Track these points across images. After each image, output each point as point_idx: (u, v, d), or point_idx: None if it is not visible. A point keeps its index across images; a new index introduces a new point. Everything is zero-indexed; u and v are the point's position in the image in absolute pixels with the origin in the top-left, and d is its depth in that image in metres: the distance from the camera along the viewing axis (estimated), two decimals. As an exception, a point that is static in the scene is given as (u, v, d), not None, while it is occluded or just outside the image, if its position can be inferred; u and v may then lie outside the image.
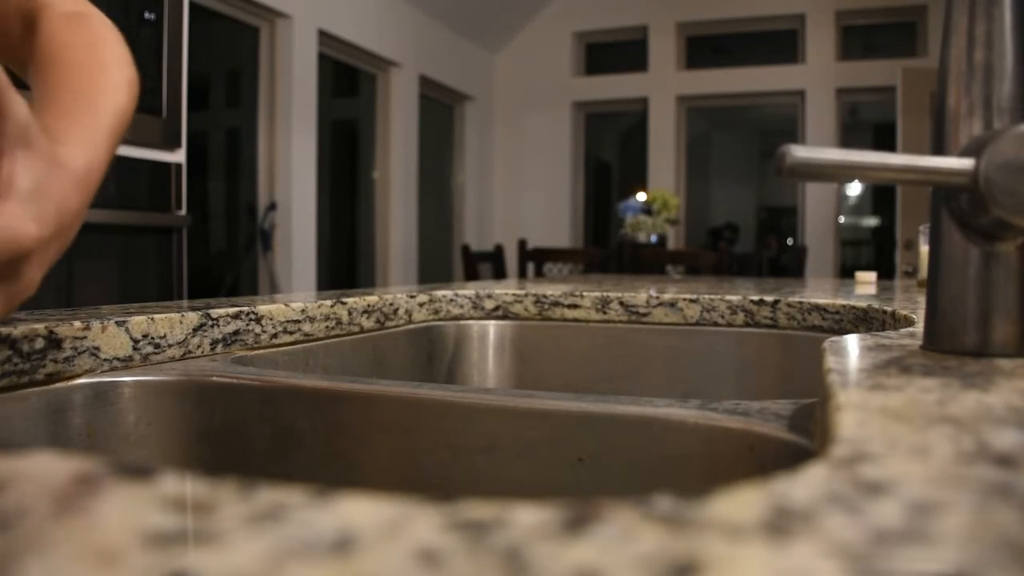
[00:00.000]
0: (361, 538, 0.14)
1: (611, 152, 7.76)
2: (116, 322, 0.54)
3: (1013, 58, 0.38)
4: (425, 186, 4.97)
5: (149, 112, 2.07)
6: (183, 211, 2.22)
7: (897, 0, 5.06)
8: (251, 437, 0.52)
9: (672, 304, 0.91)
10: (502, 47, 5.82)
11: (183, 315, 0.59)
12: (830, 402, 0.27)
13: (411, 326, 0.87)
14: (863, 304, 0.80)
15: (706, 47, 5.67)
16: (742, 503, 0.16)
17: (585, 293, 0.94)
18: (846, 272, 5.36)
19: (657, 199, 4.11)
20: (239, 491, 0.17)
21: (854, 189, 8.09)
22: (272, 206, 3.67)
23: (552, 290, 0.97)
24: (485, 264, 4.06)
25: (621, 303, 0.92)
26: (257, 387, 0.52)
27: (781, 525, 0.15)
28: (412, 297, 0.88)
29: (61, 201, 0.36)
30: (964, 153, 0.37)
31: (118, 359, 0.54)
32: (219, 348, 0.62)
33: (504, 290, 0.97)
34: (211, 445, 0.54)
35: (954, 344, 0.39)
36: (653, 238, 4.15)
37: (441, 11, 4.94)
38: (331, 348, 0.73)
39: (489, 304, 0.96)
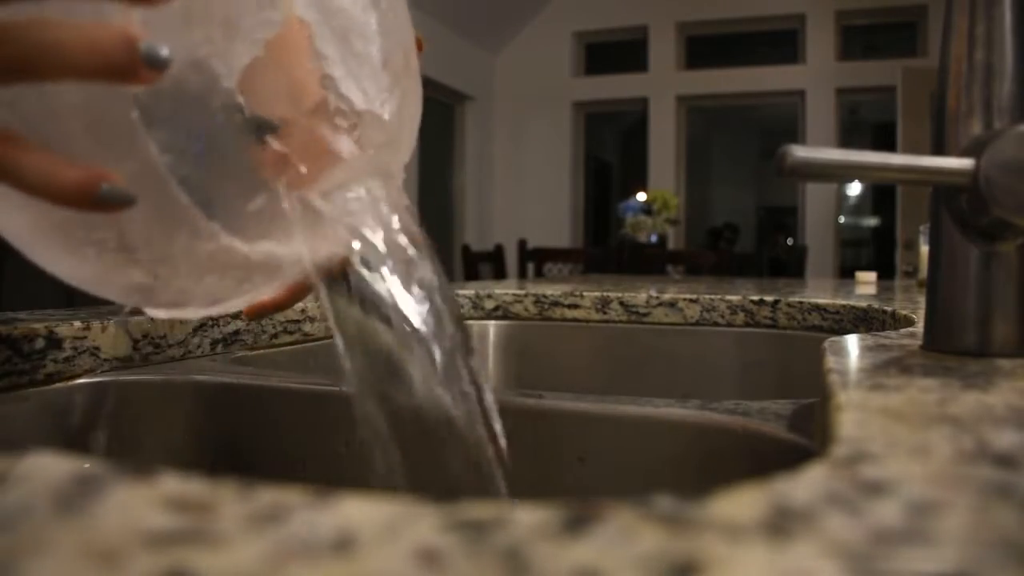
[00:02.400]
0: (361, 538, 0.14)
1: (611, 152, 7.76)
2: (116, 322, 0.54)
3: (1013, 58, 0.38)
4: (425, 186, 4.96)
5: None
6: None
7: (897, 0, 5.06)
8: (251, 437, 0.52)
9: (672, 304, 0.91)
10: (502, 47, 5.82)
11: (183, 315, 0.59)
12: (830, 402, 0.27)
13: (411, 326, 0.87)
14: (863, 304, 0.80)
15: (706, 47, 5.67)
16: (742, 503, 0.16)
17: (585, 293, 0.94)
18: (846, 272, 5.36)
19: (657, 199, 4.11)
20: (239, 491, 0.17)
21: (854, 189, 8.09)
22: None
23: (552, 290, 0.97)
24: (485, 264, 4.06)
25: (621, 303, 0.92)
26: (257, 387, 0.52)
27: (781, 525, 0.15)
28: (412, 297, 0.88)
29: None
30: (964, 153, 0.37)
31: (118, 359, 0.54)
32: (219, 348, 0.62)
33: (504, 290, 0.97)
34: (211, 445, 0.54)
35: (954, 344, 0.39)
36: (653, 238, 4.15)
37: (441, 11, 4.94)
38: (331, 348, 0.73)
39: (489, 304, 0.96)
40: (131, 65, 0.25)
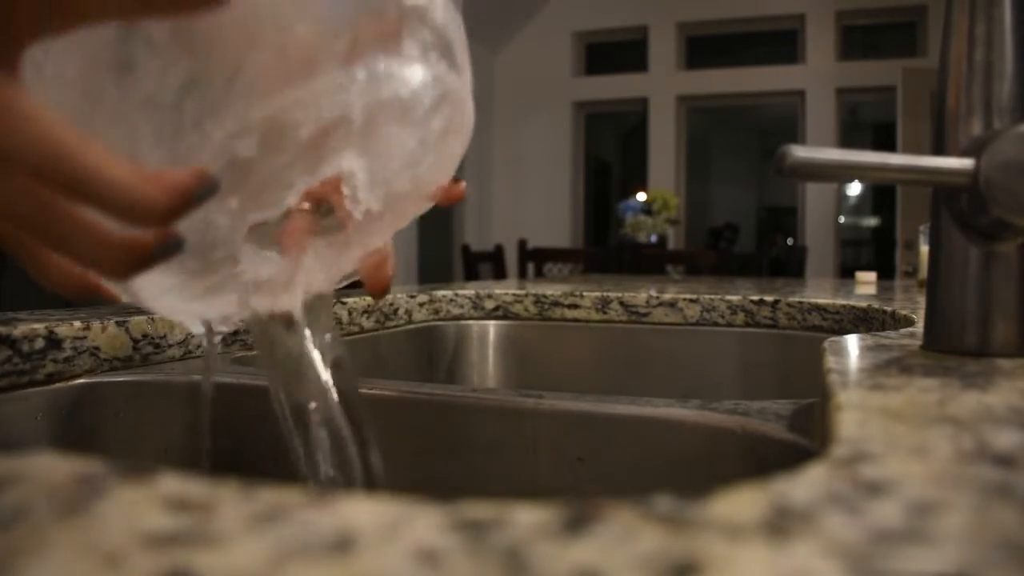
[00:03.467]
0: (361, 538, 0.14)
1: (611, 152, 7.76)
2: (116, 322, 0.54)
3: (1013, 58, 0.38)
4: (425, 186, 4.95)
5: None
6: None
7: (897, 0, 5.06)
8: (251, 437, 0.52)
9: (672, 304, 0.91)
10: (502, 47, 5.82)
11: (183, 315, 0.59)
12: (830, 402, 0.27)
13: (411, 326, 0.87)
14: (863, 304, 0.80)
15: (706, 47, 5.67)
16: (742, 503, 0.16)
17: (585, 293, 0.94)
18: (846, 272, 5.36)
19: (657, 199, 4.10)
20: (239, 491, 0.17)
21: (854, 189, 8.09)
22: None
23: (552, 290, 0.97)
24: (485, 264, 4.06)
25: (621, 303, 0.92)
26: (257, 387, 0.52)
27: (781, 525, 0.15)
28: (412, 297, 0.88)
29: None
30: (964, 153, 0.37)
31: (118, 359, 0.54)
32: (219, 348, 0.62)
33: (504, 290, 0.97)
34: (211, 445, 0.54)
35: (954, 344, 0.39)
36: (653, 238, 4.14)
37: (441, 11, 4.93)
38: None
39: (489, 304, 0.96)
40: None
